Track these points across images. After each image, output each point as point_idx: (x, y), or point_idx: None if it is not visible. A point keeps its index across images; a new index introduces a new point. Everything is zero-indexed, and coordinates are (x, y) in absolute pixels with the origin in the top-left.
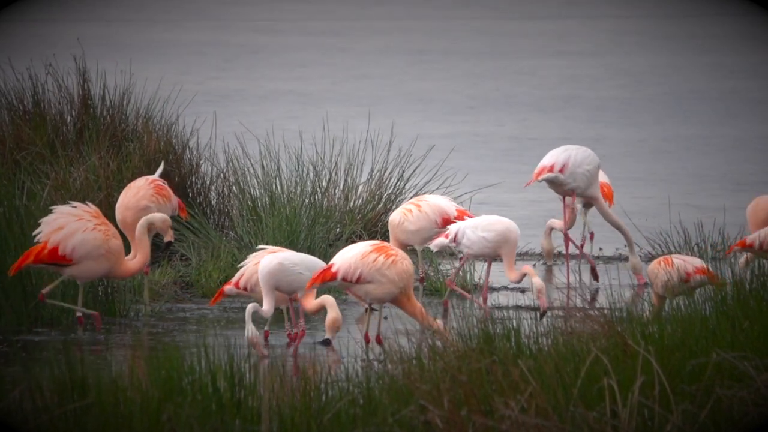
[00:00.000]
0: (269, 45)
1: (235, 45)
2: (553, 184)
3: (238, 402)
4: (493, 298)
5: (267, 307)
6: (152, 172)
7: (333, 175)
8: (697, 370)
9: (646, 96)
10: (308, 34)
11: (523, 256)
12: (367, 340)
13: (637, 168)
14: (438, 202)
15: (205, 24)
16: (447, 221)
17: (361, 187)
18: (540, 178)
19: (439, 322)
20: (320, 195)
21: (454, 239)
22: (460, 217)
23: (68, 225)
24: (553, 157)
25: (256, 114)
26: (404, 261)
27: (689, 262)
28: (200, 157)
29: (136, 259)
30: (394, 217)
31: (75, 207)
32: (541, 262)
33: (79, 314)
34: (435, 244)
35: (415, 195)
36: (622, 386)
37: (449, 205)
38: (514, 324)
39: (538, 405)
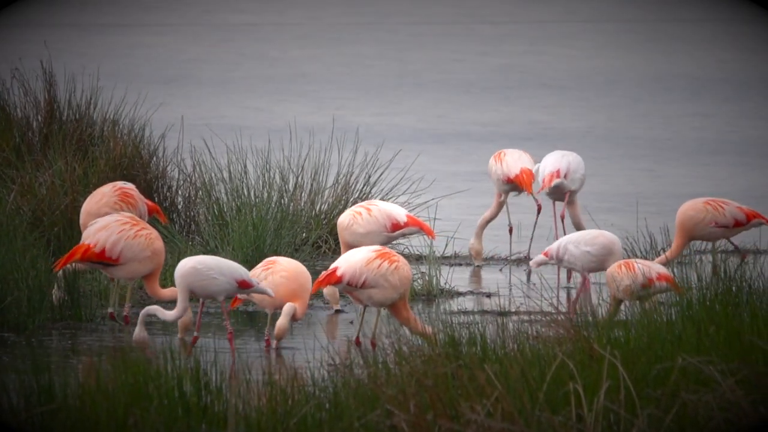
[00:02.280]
0: (237, 48)
1: (201, 48)
2: (557, 189)
3: (204, 406)
4: (459, 303)
5: (175, 311)
6: (119, 177)
7: (299, 179)
8: (663, 374)
9: (609, 97)
10: (272, 38)
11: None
12: (373, 345)
13: (602, 172)
14: (388, 208)
15: (173, 28)
16: (396, 227)
17: (327, 192)
18: (552, 184)
19: (429, 328)
20: (287, 199)
21: (557, 256)
22: (410, 223)
23: (113, 232)
24: (556, 163)
25: (224, 118)
26: (405, 267)
27: (652, 268)
28: (167, 161)
29: (170, 294)
30: (343, 218)
31: (119, 215)
32: (474, 264)
33: (110, 310)
34: (534, 262)
35: (382, 200)
36: (588, 390)
37: (399, 212)
38: (480, 328)
39: (503, 409)
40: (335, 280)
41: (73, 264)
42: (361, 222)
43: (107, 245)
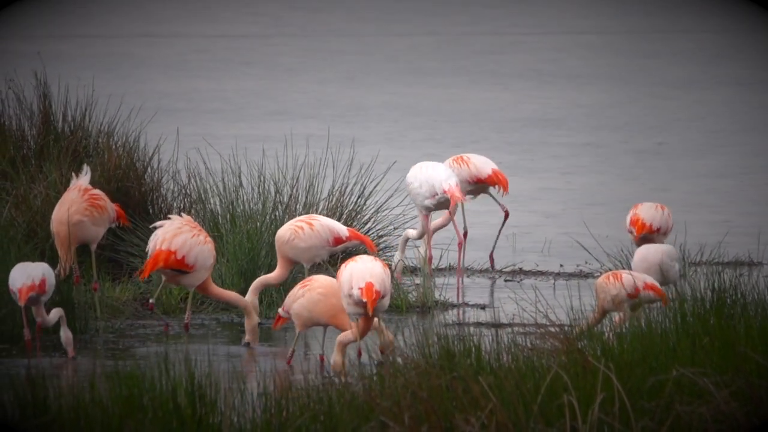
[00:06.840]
0: (233, 59)
1: (198, 60)
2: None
3: (198, 419)
4: (453, 315)
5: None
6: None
7: (294, 191)
8: (657, 386)
9: (594, 107)
10: (269, 50)
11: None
12: (359, 355)
13: (594, 183)
14: (330, 222)
15: (169, 39)
16: (338, 241)
17: (321, 204)
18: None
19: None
20: (281, 212)
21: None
22: (352, 237)
23: (186, 238)
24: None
25: (220, 129)
26: None
27: (639, 278)
28: (162, 173)
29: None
30: (283, 232)
31: (183, 218)
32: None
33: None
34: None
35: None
36: (582, 403)
37: (341, 227)
38: (475, 340)
39: (498, 421)
40: (378, 296)
41: (156, 272)
42: (302, 236)
43: (185, 252)
